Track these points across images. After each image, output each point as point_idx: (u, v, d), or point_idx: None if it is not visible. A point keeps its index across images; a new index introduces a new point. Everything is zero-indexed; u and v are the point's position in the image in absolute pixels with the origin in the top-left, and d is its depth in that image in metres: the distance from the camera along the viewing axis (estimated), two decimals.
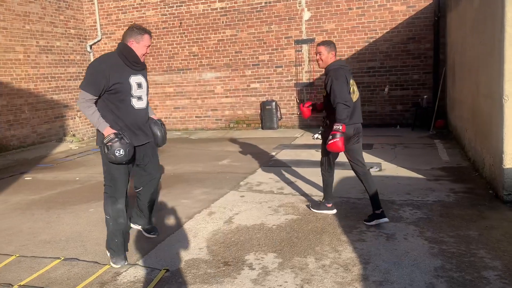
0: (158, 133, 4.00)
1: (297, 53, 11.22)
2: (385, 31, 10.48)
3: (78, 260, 3.92)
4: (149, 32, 3.71)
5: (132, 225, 4.38)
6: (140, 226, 4.38)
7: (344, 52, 10.83)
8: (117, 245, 3.75)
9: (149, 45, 3.73)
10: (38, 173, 7.90)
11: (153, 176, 4.15)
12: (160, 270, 3.60)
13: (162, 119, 12.71)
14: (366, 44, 10.66)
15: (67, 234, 4.60)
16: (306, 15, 11.00)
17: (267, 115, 11.50)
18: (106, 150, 3.49)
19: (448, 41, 9.70)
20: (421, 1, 10.12)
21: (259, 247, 3.97)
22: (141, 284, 3.39)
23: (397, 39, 10.43)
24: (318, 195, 5.48)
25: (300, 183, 6.08)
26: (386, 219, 4.35)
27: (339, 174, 6.38)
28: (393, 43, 10.48)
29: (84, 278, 3.55)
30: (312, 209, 4.90)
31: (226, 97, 12.13)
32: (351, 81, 4.40)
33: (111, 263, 3.74)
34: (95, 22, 12.94)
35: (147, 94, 3.86)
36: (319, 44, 4.43)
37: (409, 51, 10.41)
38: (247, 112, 12.03)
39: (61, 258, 3.96)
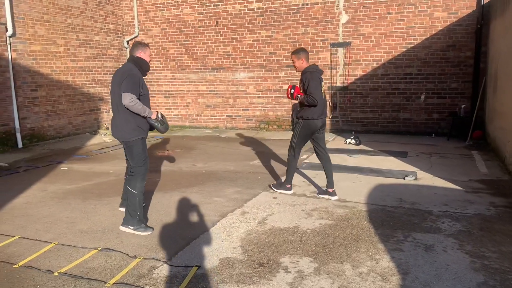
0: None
1: (333, 56, 11.11)
2: (424, 37, 10.25)
3: (114, 251, 3.98)
4: (148, 45, 4.76)
5: (120, 209, 5.10)
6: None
7: (380, 57, 10.67)
8: (139, 217, 4.47)
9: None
10: (73, 163, 8.09)
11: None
12: (193, 266, 3.62)
13: (194, 117, 12.85)
14: (404, 50, 10.45)
15: (104, 225, 4.68)
16: (344, 18, 10.88)
17: None
18: (161, 124, 4.56)
19: (490, 49, 9.41)
20: (463, 8, 9.85)
21: (294, 250, 3.93)
22: (177, 279, 3.41)
23: (437, 46, 10.18)
24: (352, 200, 5.40)
25: None
26: (336, 197, 5.48)
27: (373, 181, 6.28)
28: (432, 50, 10.24)
29: (121, 269, 3.60)
30: (273, 188, 5.89)
31: (258, 97, 12.13)
32: (322, 83, 5.46)
33: (139, 232, 4.40)
34: (133, 18, 13.17)
35: None
36: (291, 54, 5.56)
37: (448, 59, 10.15)
38: (278, 113, 11.99)
39: (98, 249, 4.03)
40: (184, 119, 13.22)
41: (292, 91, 5.50)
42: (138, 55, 4.59)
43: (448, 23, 10.00)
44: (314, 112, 5.35)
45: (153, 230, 4.48)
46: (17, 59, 9.82)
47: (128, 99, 4.25)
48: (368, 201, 5.39)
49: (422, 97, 10.42)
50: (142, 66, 4.55)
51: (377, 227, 4.50)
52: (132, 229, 4.43)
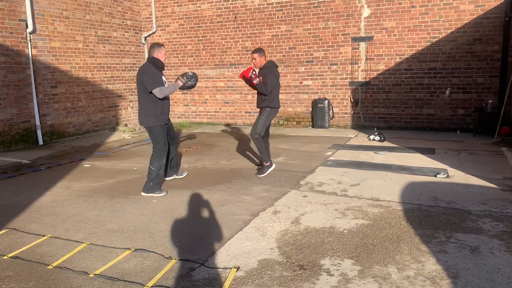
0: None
1: (354, 51, 10.90)
2: (449, 31, 9.99)
3: (148, 251, 3.88)
4: (163, 45, 5.68)
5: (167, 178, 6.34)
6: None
7: (404, 52, 10.43)
8: (153, 185, 5.62)
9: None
10: (95, 160, 8.03)
11: (175, 140, 6.19)
12: (231, 268, 3.50)
13: (212, 113, 12.75)
14: (428, 44, 10.20)
15: (134, 224, 4.59)
16: (366, 12, 10.66)
17: (318, 114, 11.26)
18: (190, 82, 5.76)
19: None
20: (491, 0, 9.56)
21: (334, 251, 3.79)
22: (216, 282, 3.29)
23: (462, 39, 9.92)
24: (386, 199, 5.23)
25: (363, 186, 5.84)
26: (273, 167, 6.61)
27: (404, 179, 6.11)
28: (458, 44, 9.98)
29: (157, 271, 3.49)
30: (258, 175, 6.45)
31: None
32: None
33: (156, 194, 5.58)
34: (151, 14, 13.09)
35: None
36: (253, 52, 6.33)
37: (474, 53, 9.88)
38: (297, 110, 11.83)
39: (131, 249, 3.93)
40: (202, 116, 13.12)
41: (254, 73, 6.12)
42: (154, 56, 5.56)
43: (475, 16, 9.73)
44: (277, 102, 6.48)
45: (166, 192, 5.67)
46: (37, 55, 9.79)
47: (159, 93, 5.39)
48: (402, 200, 5.22)
49: (447, 92, 10.17)
50: (157, 64, 5.55)
51: (416, 227, 4.33)
52: (150, 194, 5.61)
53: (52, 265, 3.64)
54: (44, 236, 4.32)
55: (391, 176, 6.34)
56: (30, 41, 9.57)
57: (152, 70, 5.48)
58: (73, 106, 10.77)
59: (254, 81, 6.15)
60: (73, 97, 10.77)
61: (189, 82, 5.76)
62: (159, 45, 5.61)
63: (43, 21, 9.91)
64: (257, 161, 7.49)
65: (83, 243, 4.11)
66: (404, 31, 10.37)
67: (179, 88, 5.80)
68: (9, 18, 9.11)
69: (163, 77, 5.65)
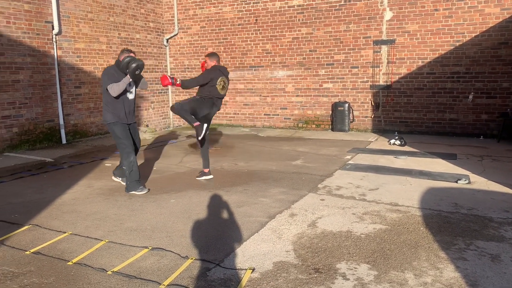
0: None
1: (375, 54, 10.80)
2: (473, 34, 9.80)
3: (165, 250, 3.93)
4: (133, 51, 5.82)
5: (114, 178, 6.40)
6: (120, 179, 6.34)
7: (426, 55, 10.28)
8: (129, 183, 5.79)
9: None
10: (116, 160, 8.15)
11: (136, 147, 6.15)
12: (247, 269, 3.51)
13: (231, 115, 12.81)
14: (452, 47, 10.03)
15: (152, 223, 4.65)
16: (388, 15, 10.55)
17: (338, 117, 11.19)
18: (133, 69, 5.54)
19: None
20: None
21: (350, 256, 3.76)
22: (232, 282, 3.31)
23: (487, 43, 9.72)
24: (405, 204, 5.17)
25: (382, 191, 5.78)
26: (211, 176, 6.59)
27: (424, 184, 6.02)
28: (482, 48, 9.78)
29: (173, 270, 3.53)
30: (197, 178, 6.58)
31: (297, 96, 11.95)
32: (223, 78, 6.36)
33: (138, 192, 5.79)
34: (173, 17, 13.25)
35: (135, 90, 5.97)
36: (206, 56, 6.52)
37: (499, 57, 9.67)
38: (317, 112, 11.78)
39: (148, 248, 3.99)
40: (221, 118, 13.19)
41: (171, 76, 6.19)
42: (119, 59, 5.72)
43: (500, 19, 9.52)
44: (210, 94, 6.39)
45: (148, 190, 5.91)
46: (62, 56, 10.03)
47: (111, 90, 5.55)
48: (422, 205, 5.14)
49: (470, 97, 9.98)
50: (118, 66, 5.72)
51: (435, 233, 4.26)
52: (132, 192, 5.83)
53: (72, 261, 3.72)
54: (65, 233, 4.42)
55: (411, 181, 6.25)
56: (56, 42, 9.81)
57: (112, 71, 5.68)
58: (95, 106, 10.98)
59: (177, 82, 6.12)
60: (96, 97, 10.98)
61: (132, 66, 5.52)
62: (127, 50, 5.80)
63: (68, 22, 10.14)
64: (272, 165, 7.50)
65: (102, 240, 4.19)
66: (426, 34, 10.23)
67: (131, 78, 5.60)
68: (36, 20, 9.36)
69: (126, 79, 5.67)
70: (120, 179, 6.33)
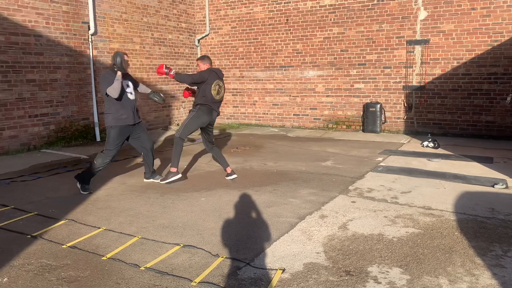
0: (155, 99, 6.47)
1: (409, 54, 10.59)
2: None
3: (196, 248, 3.98)
4: (125, 53, 5.86)
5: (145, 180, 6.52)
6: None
7: (462, 56, 10.00)
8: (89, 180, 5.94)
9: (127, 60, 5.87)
10: None
11: (146, 144, 6.33)
12: (277, 270, 3.52)
13: (260, 115, 12.83)
14: (489, 47, 9.72)
15: (183, 221, 4.72)
16: (422, 14, 10.32)
17: (370, 118, 11.04)
18: (117, 59, 5.72)
19: None
20: None
21: (382, 259, 3.71)
22: (262, 282, 3.32)
23: None
24: (438, 208, 5.05)
25: (415, 194, 5.66)
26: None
27: (458, 188, 5.86)
28: None
29: (204, 268, 3.57)
30: (161, 181, 6.29)
31: (327, 96, 11.86)
32: (218, 82, 6.27)
33: (83, 192, 5.85)
34: (204, 17, 13.39)
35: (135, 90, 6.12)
36: (197, 59, 6.55)
37: None
38: (348, 113, 11.66)
39: (180, 245, 4.05)
40: (250, 117, 13.25)
41: (168, 67, 6.23)
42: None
43: None
44: (209, 101, 6.31)
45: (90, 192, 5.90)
46: (97, 56, 10.30)
47: (110, 92, 5.65)
48: (456, 209, 5.01)
49: (509, 98, 9.62)
50: (113, 70, 5.82)
51: (471, 239, 4.15)
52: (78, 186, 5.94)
53: (106, 256, 3.82)
54: (99, 228, 4.54)
55: (445, 184, 6.10)
56: (92, 43, 10.09)
57: (107, 75, 5.78)
58: None
59: (171, 73, 6.17)
60: None
61: (117, 60, 5.73)
62: (120, 54, 5.89)
63: (103, 23, 10.41)
64: (301, 166, 7.47)
65: (135, 236, 4.28)
66: (462, 34, 9.95)
67: (122, 72, 5.76)
68: (73, 21, 9.65)
69: (125, 83, 5.89)
70: (152, 179, 6.47)
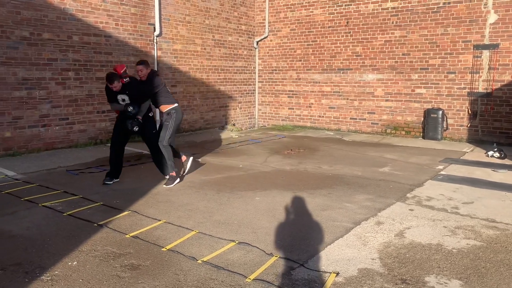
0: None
1: (475, 59, 10.10)
2: None
3: (251, 246, 4.07)
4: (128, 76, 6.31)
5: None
6: None
7: None
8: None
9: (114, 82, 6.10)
10: (205, 156, 8.57)
11: (150, 141, 6.59)
12: (331, 273, 3.52)
13: (315, 118, 12.75)
14: None
15: (239, 218, 4.84)
16: (492, 17, 9.82)
17: (430, 124, 10.65)
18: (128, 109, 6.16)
19: None
20: None
21: (440, 270, 3.60)
22: (316, 284, 3.34)
23: None
24: (503, 221, 4.80)
25: (477, 205, 5.42)
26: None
27: None
28: None
29: (259, 265, 3.65)
30: (166, 186, 6.21)
31: (386, 100, 11.58)
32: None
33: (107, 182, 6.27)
34: (264, 19, 13.54)
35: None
36: (137, 64, 6.39)
37: None
38: (407, 119, 11.32)
39: (235, 242, 4.16)
40: (305, 120, 13.22)
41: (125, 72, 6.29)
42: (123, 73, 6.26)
43: None
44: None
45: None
46: (162, 57, 10.74)
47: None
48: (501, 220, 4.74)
49: None
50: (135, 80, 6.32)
51: None
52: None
53: (166, 248, 4.01)
54: (160, 220, 4.75)
55: (511, 197, 5.78)
56: (156, 44, 10.53)
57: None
58: (188, 105, 11.60)
59: (124, 80, 6.18)
60: (189, 96, 11.60)
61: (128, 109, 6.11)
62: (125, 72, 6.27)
63: (168, 25, 10.84)
64: (357, 171, 7.36)
65: (192, 230, 4.45)
66: None
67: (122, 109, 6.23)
68: (140, 22, 10.14)
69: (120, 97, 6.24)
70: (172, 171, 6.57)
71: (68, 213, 4.99)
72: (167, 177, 6.41)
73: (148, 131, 6.48)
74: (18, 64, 8.15)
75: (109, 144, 9.45)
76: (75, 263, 3.71)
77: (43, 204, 5.28)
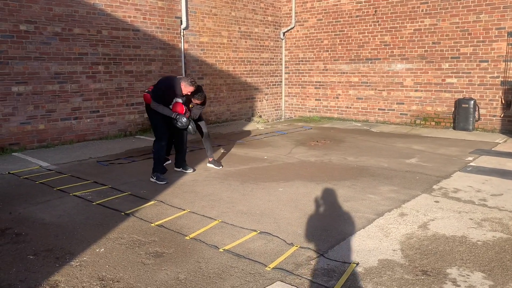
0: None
1: (510, 47, 9.73)
2: None
3: (272, 235, 4.12)
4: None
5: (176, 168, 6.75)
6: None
7: None
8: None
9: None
10: (231, 147, 8.66)
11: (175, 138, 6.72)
12: (351, 263, 3.53)
13: (343, 109, 12.62)
14: None
15: (261, 209, 4.89)
16: None
17: (462, 114, 10.37)
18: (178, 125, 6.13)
19: None
20: None
21: (462, 262, 3.55)
22: (335, 273, 3.36)
23: None
24: None
25: (507, 197, 5.27)
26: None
27: None
28: None
29: (279, 255, 3.70)
30: (213, 165, 6.82)
31: (416, 90, 11.33)
32: None
33: (160, 182, 5.99)
34: (291, 10, 13.46)
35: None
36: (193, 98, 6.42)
37: None
38: (437, 109, 11.05)
39: (257, 231, 4.22)
40: (332, 111, 13.11)
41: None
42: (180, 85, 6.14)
43: None
44: None
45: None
46: (188, 49, 10.87)
47: (157, 107, 6.12)
48: None
49: None
50: (177, 87, 6.13)
51: None
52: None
53: (189, 236, 4.11)
54: (184, 210, 4.87)
55: None
56: (183, 36, 10.66)
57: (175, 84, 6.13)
58: (215, 97, 11.72)
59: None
60: (216, 88, 11.71)
61: (177, 125, 6.12)
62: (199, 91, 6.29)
63: (194, 18, 10.94)
64: (383, 162, 7.26)
65: (216, 220, 4.54)
66: None
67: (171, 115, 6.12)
68: (167, 16, 10.28)
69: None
70: (181, 168, 6.72)
71: (97, 202, 5.19)
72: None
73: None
74: (51, 59, 8.45)
75: (138, 136, 9.73)
76: (102, 249, 3.87)
77: (74, 194, 5.50)
